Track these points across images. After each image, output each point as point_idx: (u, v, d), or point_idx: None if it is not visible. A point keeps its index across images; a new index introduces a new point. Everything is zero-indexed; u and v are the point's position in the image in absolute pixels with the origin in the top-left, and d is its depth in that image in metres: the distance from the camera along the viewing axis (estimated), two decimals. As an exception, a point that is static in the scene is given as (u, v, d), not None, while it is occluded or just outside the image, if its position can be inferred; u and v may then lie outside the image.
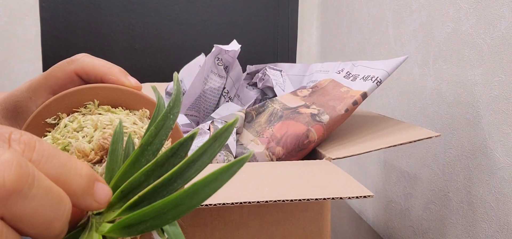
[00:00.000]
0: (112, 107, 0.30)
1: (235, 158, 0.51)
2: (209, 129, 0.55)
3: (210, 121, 0.57)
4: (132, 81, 0.31)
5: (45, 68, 1.24)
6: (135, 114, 0.31)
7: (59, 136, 0.27)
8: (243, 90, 0.69)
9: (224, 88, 0.69)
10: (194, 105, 0.68)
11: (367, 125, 0.54)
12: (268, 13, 1.29)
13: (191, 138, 0.23)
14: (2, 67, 1.23)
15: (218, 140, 0.21)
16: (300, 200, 0.33)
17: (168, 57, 1.28)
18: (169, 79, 0.90)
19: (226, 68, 0.68)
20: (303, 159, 0.50)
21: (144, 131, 0.27)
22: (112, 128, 0.27)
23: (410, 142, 0.44)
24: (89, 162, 0.26)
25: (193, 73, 0.72)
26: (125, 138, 0.25)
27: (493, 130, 0.55)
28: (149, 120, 0.28)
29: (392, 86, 0.82)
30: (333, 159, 0.44)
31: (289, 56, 1.33)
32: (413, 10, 0.74)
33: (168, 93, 0.75)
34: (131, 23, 1.23)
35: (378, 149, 0.44)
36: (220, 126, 0.55)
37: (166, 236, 0.23)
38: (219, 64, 0.66)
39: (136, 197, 0.21)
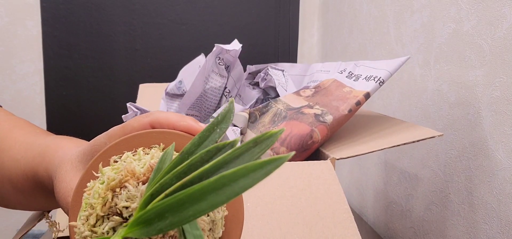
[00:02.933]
0: (176, 152, 0.30)
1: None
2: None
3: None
4: (203, 126, 0.32)
5: (46, 68, 1.24)
6: None
7: (119, 165, 0.28)
8: (245, 89, 0.70)
9: (225, 87, 0.69)
10: (195, 104, 0.68)
11: (370, 125, 0.54)
12: (269, 13, 1.29)
13: (231, 145, 0.21)
14: (4, 67, 1.23)
15: (258, 146, 0.19)
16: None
17: (169, 57, 1.28)
18: (170, 79, 0.91)
19: (227, 68, 0.68)
20: (306, 159, 0.51)
21: None
22: None
23: (413, 141, 0.45)
24: (136, 181, 0.26)
25: (193, 74, 0.72)
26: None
27: (494, 131, 0.55)
28: None
29: (393, 87, 0.82)
30: (337, 159, 0.44)
31: (290, 56, 1.33)
32: (414, 11, 0.74)
33: (168, 94, 0.75)
34: (132, 23, 1.23)
35: (381, 149, 0.45)
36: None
37: None
38: (220, 63, 0.66)
39: (161, 195, 0.20)
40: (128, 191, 0.25)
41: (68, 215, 0.31)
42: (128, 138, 0.30)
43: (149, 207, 0.19)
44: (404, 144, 0.45)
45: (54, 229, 0.43)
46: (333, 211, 0.38)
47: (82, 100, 1.24)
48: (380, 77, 0.52)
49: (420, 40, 0.72)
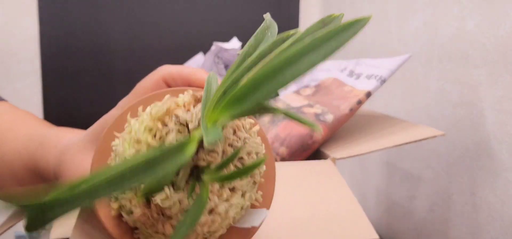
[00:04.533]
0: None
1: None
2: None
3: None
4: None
5: (43, 68, 1.23)
6: None
7: (128, 132, 0.24)
8: (244, 89, 0.69)
9: (225, 87, 0.68)
10: (195, 104, 0.68)
11: (371, 124, 0.53)
12: (269, 12, 1.29)
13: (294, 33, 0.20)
14: (1, 67, 1.22)
15: (334, 39, 0.18)
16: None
17: (168, 57, 1.27)
18: (169, 79, 0.90)
19: (226, 67, 0.67)
20: (307, 159, 0.50)
21: None
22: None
23: (415, 141, 0.44)
24: (183, 109, 0.23)
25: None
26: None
27: (497, 130, 0.54)
28: None
29: (396, 86, 0.81)
30: (338, 159, 0.43)
31: (290, 56, 1.32)
32: (416, 9, 0.74)
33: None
34: (130, 22, 1.23)
35: (382, 149, 0.44)
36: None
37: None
38: (219, 62, 0.65)
39: (241, 84, 0.18)
40: (180, 117, 0.22)
41: None
42: (146, 99, 0.27)
43: (242, 83, 0.18)
44: (406, 143, 0.44)
45: None
46: (332, 191, 0.37)
47: (80, 100, 1.24)
48: (381, 76, 0.51)
49: (422, 39, 0.72)
